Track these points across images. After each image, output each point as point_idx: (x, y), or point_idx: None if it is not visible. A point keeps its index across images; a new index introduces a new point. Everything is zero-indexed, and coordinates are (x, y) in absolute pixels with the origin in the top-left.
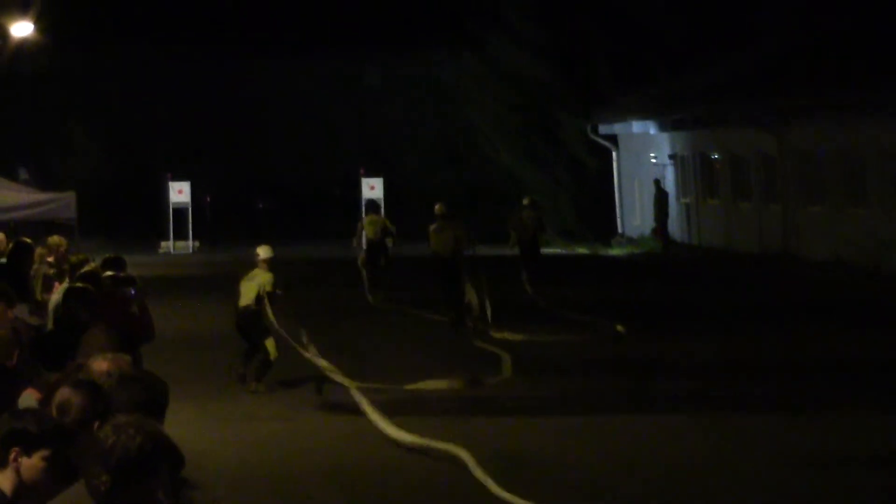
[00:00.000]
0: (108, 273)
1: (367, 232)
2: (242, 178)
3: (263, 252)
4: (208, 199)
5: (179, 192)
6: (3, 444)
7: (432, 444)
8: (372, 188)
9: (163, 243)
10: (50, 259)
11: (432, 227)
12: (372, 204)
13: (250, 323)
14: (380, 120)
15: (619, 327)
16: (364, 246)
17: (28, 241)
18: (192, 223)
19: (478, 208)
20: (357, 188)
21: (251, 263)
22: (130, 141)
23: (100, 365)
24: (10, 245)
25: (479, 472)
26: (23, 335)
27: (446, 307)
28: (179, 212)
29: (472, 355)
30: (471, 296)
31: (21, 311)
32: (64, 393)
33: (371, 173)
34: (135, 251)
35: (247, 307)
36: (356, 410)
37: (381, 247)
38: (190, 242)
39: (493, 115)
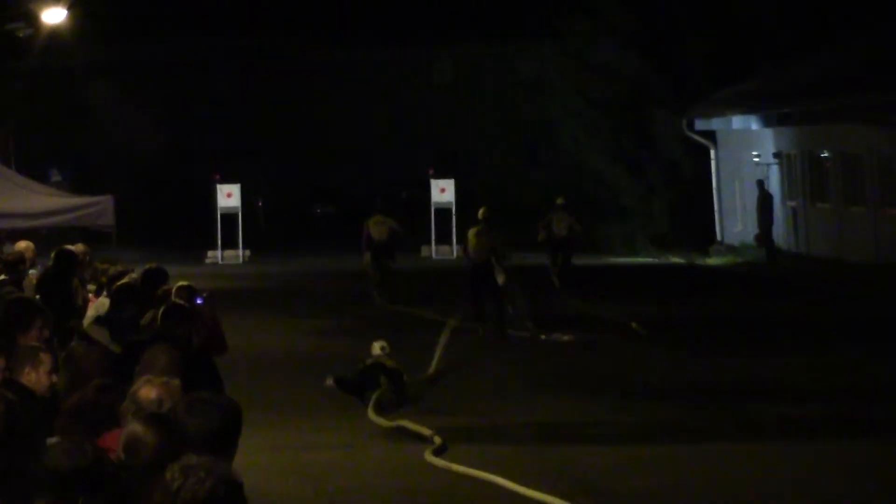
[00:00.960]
0: (181, 284)
1: (372, 233)
2: (299, 180)
3: None
4: (260, 204)
5: (228, 196)
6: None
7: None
8: (442, 191)
9: (210, 253)
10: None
11: (472, 230)
12: (378, 202)
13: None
14: (451, 117)
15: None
16: (368, 248)
17: (73, 248)
18: (243, 230)
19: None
20: (426, 191)
21: (305, 275)
22: (174, 139)
23: (147, 392)
24: (53, 255)
25: None
26: (84, 361)
27: (473, 317)
28: (228, 218)
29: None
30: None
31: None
32: (134, 431)
33: (441, 175)
34: (179, 261)
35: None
36: (423, 439)
37: (389, 249)
38: (240, 252)
39: (577, 112)
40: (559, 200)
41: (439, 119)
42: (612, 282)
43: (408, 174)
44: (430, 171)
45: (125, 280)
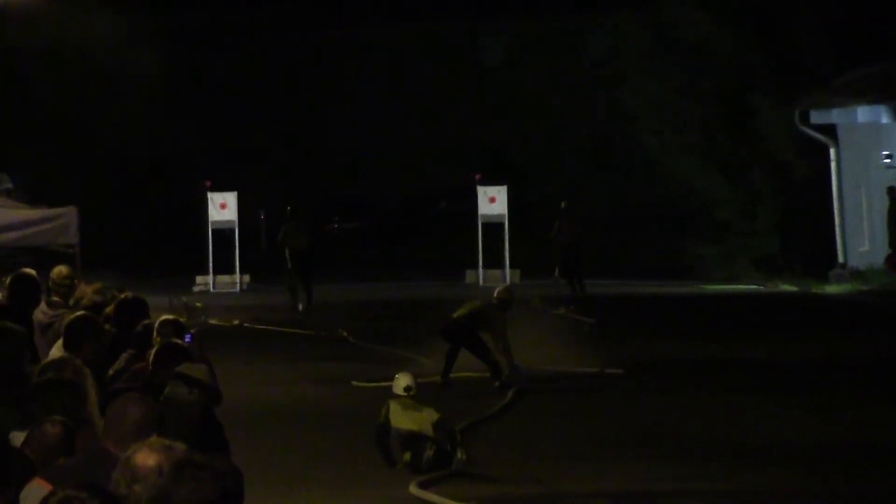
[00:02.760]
0: (166, 318)
1: (289, 242)
2: (312, 188)
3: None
4: (262, 217)
5: (222, 207)
6: None
7: None
8: (492, 201)
9: (199, 278)
10: (56, 298)
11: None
12: (295, 209)
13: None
14: (502, 109)
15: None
16: (289, 258)
17: (31, 272)
18: (241, 250)
19: (639, 230)
20: (471, 201)
21: (318, 307)
22: (155, 137)
23: (145, 458)
24: (8, 280)
25: None
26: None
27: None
28: (222, 234)
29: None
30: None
31: None
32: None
33: (490, 180)
34: (161, 289)
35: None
36: None
37: (309, 258)
38: (237, 277)
39: (662, 102)
40: (563, 204)
41: (487, 111)
42: (704, 314)
43: (448, 180)
44: (477, 177)
45: (79, 314)
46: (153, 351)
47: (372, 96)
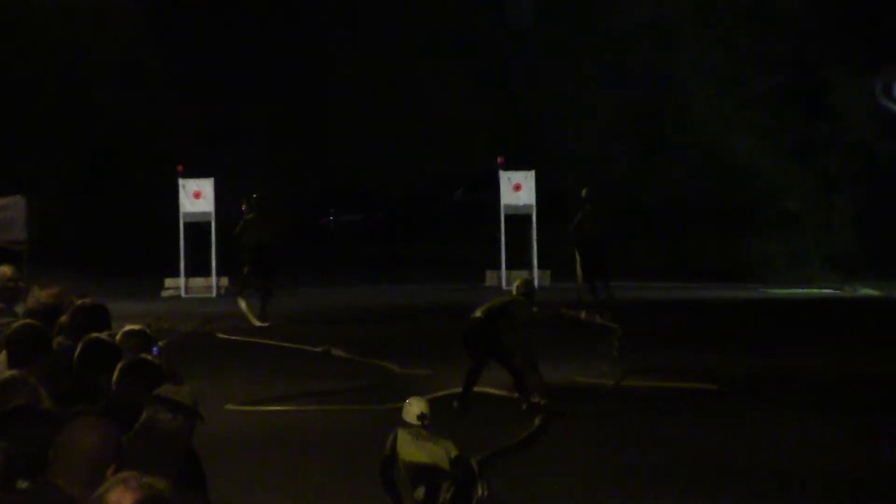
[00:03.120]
0: (131, 328)
1: (248, 235)
2: (305, 173)
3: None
4: (244, 208)
5: (196, 197)
6: None
7: None
8: (517, 188)
9: (168, 281)
10: None
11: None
12: (259, 198)
13: None
14: (530, 79)
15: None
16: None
17: None
18: (217, 248)
19: (691, 223)
20: (492, 189)
21: (309, 315)
22: (117, 112)
23: (120, 498)
24: None
25: None
26: None
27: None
28: (196, 229)
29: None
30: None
31: None
32: None
33: (515, 165)
34: (123, 294)
35: None
36: None
37: (270, 253)
38: (213, 280)
39: (718, 72)
40: (584, 192)
41: (514, 81)
42: (769, 323)
43: (465, 164)
44: (500, 161)
45: (24, 323)
46: (118, 367)
47: (376, 65)
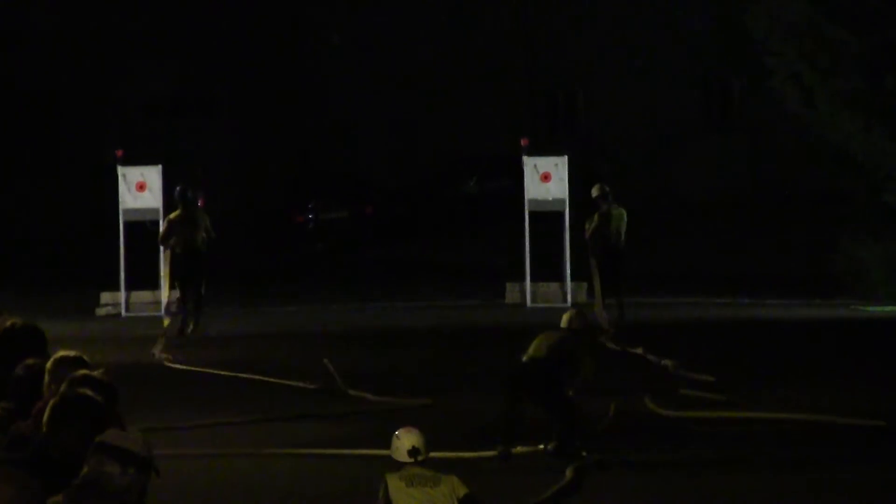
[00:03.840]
0: (63, 355)
1: (176, 238)
2: (277, 159)
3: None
4: (202, 202)
5: (140, 189)
6: None
7: None
8: (545, 178)
9: (106, 296)
10: None
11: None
12: (184, 193)
13: None
14: (564, 40)
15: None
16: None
17: None
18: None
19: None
20: (514, 179)
21: (281, 339)
22: (41, 79)
23: None
24: None
25: None
26: None
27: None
28: (138, 229)
29: None
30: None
31: None
32: None
33: (543, 148)
34: (47, 312)
35: None
36: None
37: (203, 261)
38: (161, 294)
39: (804, 30)
40: (595, 191)
41: (540, 43)
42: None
43: (480, 146)
44: (523, 142)
45: None
46: (50, 405)
47: (369, 24)
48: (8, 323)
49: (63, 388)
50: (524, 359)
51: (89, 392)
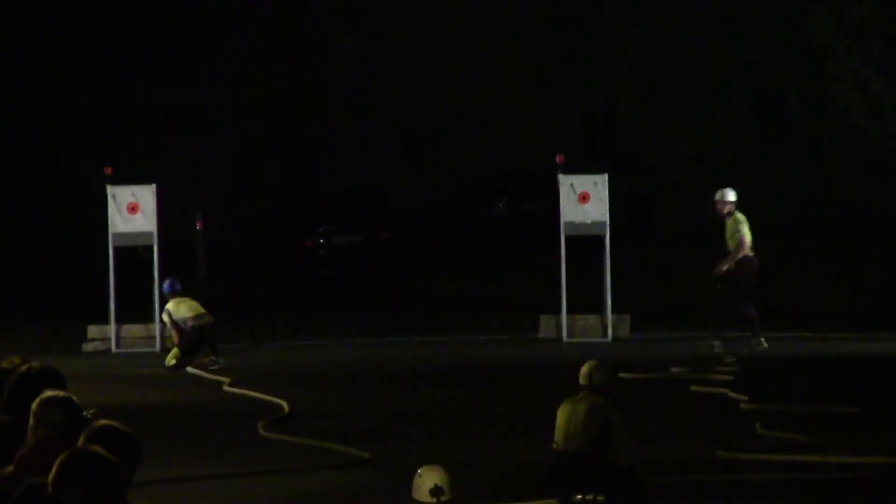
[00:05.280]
0: (50, 395)
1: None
2: (286, 176)
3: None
4: (199, 227)
5: (132, 211)
6: None
7: None
8: (584, 199)
9: (93, 329)
10: None
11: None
12: (174, 284)
13: None
14: (607, 47)
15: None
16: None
17: None
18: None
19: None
20: (549, 200)
21: (284, 378)
22: (23, 91)
23: None
24: None
25: None
26: None
27: None
28: (129, 255)
29: None
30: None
31: None
32: None
33: (581, 165)
34: (29, 348)
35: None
36: None
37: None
38: (155, 328)
39: (868, 32)
40: (721, 196)
41: (580, 50)
42: None
43: (511, 163)
44: (559, 159)
45: None
46: (58, 461)
47: (390, 21)
48: (23, 367)
49: (80, 440)
50: (557, 449)
51: (101, 451)
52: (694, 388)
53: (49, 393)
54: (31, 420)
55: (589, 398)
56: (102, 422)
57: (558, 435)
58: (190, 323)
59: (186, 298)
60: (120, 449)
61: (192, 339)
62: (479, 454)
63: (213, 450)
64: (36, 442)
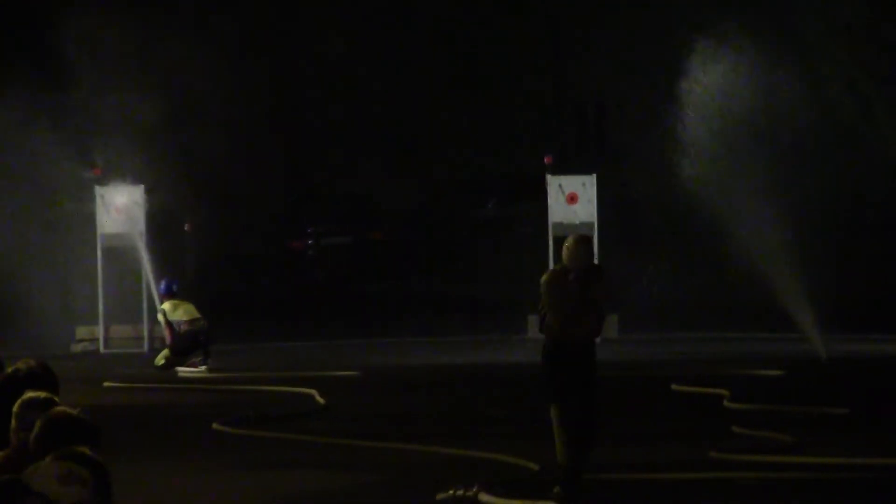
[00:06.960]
0: (31, 396)
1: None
2: (273, 175)
3: None
4: (187, 228)
5: (118, 212)
6: None
7: None
8: (572, 200)
9: (81, 330)
10: None
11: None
12: (170, 286)
13: None
14: (595, 40)
15: None
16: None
17: None
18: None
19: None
20: (538, 201)
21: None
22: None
23: None
24: None
25: None
26: None
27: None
28: (117, 254)
29: None
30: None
31: None
32: None
33: (567, 166)
34: (17, 348)
35: None
36: None
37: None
38: (143, 328)
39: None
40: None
41: (566, 43)
42: None
43: (499, 166)
44: (547, 160)
45: None
46: (45, 463)
47: (378, 21)
48: (10, 369)
49: (35, 428)
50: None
51: (85, 450)
52: (674, 386)
53: (30, 394)
54: (13, 422)
55: (582, 280)
56: (58, 409)
57: (554, 322)
58: (184, 327)
59: (183, 301)
60: (79, 435)
61: (185, 343)
62: (472, 455)
63: (201, 448)
64: (18, 443)
